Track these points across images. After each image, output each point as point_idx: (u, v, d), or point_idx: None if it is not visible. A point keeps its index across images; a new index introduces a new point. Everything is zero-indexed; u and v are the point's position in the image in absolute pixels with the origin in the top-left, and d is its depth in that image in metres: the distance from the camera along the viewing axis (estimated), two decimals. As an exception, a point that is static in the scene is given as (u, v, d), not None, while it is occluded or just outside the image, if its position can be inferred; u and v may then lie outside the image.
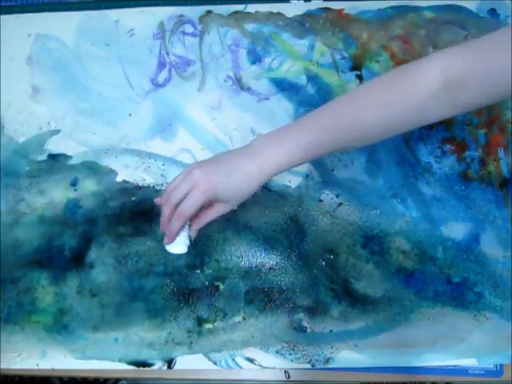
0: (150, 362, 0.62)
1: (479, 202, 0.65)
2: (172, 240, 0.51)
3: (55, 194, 0.66)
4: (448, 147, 0.67)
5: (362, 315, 0.62)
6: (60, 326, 0.62)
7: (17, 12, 0.73)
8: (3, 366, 0.62)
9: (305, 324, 0.62)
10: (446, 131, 0.68)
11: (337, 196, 0.65)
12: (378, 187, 0.66)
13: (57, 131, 0.69)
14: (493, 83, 0.44)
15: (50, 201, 0.66)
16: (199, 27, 0.72)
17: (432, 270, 0.63)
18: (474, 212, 0.65)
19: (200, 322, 0.62)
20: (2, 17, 0.72)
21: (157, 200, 0.53)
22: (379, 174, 0.66)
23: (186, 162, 0.67)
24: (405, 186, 0.66)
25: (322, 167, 0.67)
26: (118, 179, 0.67)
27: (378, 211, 0.65)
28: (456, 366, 0.62)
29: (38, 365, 0.62)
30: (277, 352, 0.62)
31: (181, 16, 0.72)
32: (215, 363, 0.62)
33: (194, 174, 0.48)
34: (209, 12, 0.72)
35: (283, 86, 0.70)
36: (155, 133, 0.68)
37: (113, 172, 0.67)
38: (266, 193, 0.66)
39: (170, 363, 0.62)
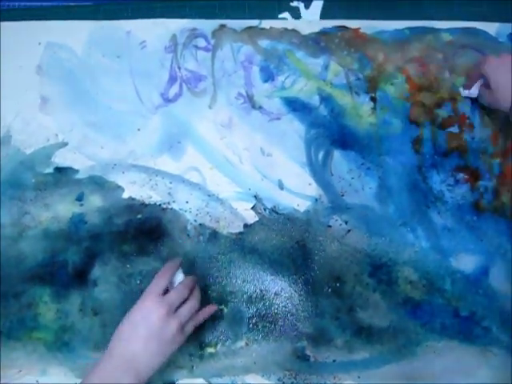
0: (151, 384, 0.61)
1: (491, 233, 0.64)
2: None
3: (60, 208, 0.65)
4: (461, 176, 0.66)
5: (367, 346, 0.61)
6: (61, 344, 0.62)
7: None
8: (3, 382, 0.61)
9: (308, 352, 0.61)
10: (459, 159, 0.66)
11: (346, 222, 0.64)
12: (388, 215, 0.65)
13: (64, 144, 0.68)
14: None
15: (55, 215, 0.65)
16: (212, 41, 0.70)
17: (440, 302, 0.62)
18: (485, 244, 0.64)
19: (202, 345, 0.61)
20: (13, 24, 0.71)
21: None
22: (390, 201, 0.65)
23: (194, 181, 0.66)
24: (416, 214, 0.65)
25: (332, 192, 0.65)
26: (125, 196, 0.66)
27: (388, 239, 0.64)
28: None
29: (37, 381, 0.61)
30: (278, 380, 0.61)
31: (194, 29, 0.71)
32: (216, 388, 0.61)
33: None
34: (222, 26, 0.71)
35: (295, 105, 0.68)
36: (164, 150, 0.67)
37: (119, 188, 0.66)
38: (274, 216, 0.65)
39: (170, 387, 0.61)
